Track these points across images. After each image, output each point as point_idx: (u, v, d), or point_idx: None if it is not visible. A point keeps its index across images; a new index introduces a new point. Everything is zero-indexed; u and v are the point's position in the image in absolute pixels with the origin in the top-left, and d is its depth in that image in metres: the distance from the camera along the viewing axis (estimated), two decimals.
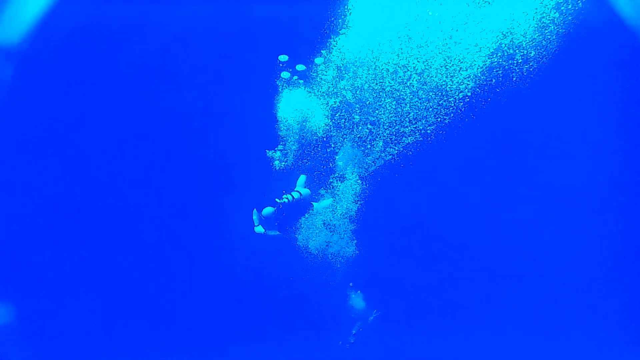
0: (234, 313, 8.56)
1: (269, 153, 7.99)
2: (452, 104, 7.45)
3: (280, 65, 8.01)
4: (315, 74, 7.87)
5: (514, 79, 7.30)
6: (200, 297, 8.52)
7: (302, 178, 7.91)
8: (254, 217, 7.54)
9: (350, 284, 8.21)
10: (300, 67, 7.97)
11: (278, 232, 7.58)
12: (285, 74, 8.03)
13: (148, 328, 8.36)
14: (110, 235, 8.37)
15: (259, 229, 7.51)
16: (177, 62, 8.31)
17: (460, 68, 7.26)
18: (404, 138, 7.72)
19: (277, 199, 7.44)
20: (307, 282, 8.15)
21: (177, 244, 8.52)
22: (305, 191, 7.74)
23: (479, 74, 7.28)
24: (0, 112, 7.91)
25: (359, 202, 7.85)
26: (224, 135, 8.42)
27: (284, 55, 7.98)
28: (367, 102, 7.72)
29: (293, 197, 7.49)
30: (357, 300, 8.23)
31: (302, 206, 7.66)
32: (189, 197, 8.52)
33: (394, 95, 7.57)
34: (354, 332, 8.14)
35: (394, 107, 7.62)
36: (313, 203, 7.75)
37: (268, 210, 7.44)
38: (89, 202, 8.33)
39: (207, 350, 8.38)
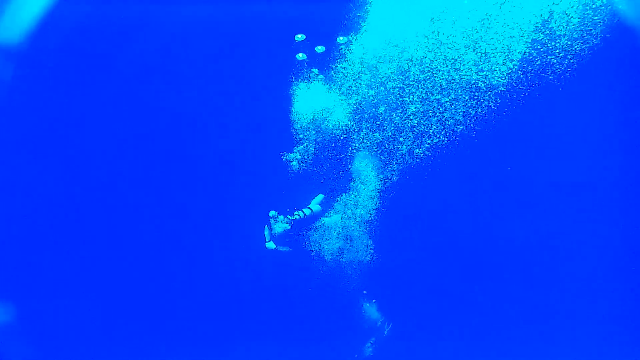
0: (240, 321, 8.47)
1: (285, 156, 7.92)
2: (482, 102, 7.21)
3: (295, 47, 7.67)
4: (335, 65, 7.51)
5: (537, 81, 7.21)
6: (203, 300, 8.49)
7: (319, 197, 7.90)
8: (265, 232, 7.61)
9: (365, 291, 8.08)
10: (320, 49, 7.64)
11: (289, 249, 7.64)
12: (301, 56, 7.69)
13: (148, 328, 8.34)
14: (110, 235, 8.36)
15: (270, 244, 7.58)
16: (178, 61, 8.31)
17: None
18: (429, 139, 7.52)
19: (288, 216, 7.54)
20: (319, 291, 8.09)
21: (179, 246, 8.49)
22: (317, 208, 7.78)
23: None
24: (0, 112, 7.92)
25: (376, 207, 7.74)
26: (235, 137, 8.37)
27: (301, 35, 7.63)
28: (391, 99, 7.49)
29: (304, 214, 7.56)
30: (371, 310, 8.08)
31: (313, 223, 7.73)
32: (194, 200, 8.49)
33: (419, 91, 7.34)
34: (368, 345, 7.99)
35: (419, 105, 7.39)
36: (323, 219, 7.76)
37: (279, 227, 7.54)
38: (90, 202, 8.33)
39: (209, 356, 8.35)
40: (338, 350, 8.13)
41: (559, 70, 7.19)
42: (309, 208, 7.73)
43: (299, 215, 7.56)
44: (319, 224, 7.75)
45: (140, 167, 8.36)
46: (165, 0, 8.09)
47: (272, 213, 7.60)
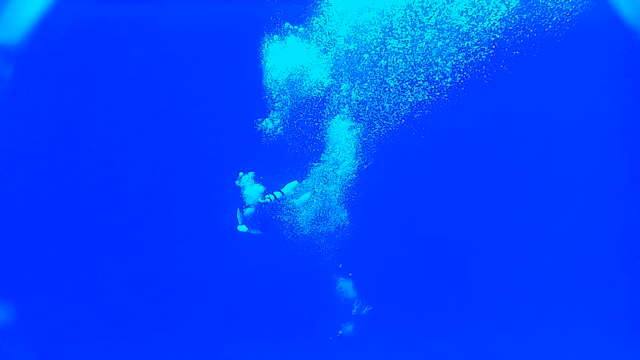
0: (217, 308, 8.46)
1: (260, 124, 7.61)
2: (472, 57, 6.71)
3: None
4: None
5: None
6: (196, 295, 8.47)
7: (293, 183, 7.82)
8: (238, 215, 7.58)
9: (340, 265, 7.91)
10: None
11: (260, 232, 7.62)
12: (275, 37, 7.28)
13: (148, 328, 8.34)
14: (110, 235, 8.36)
15: (242, 227, 7.55)
16: (178, 61, 8.29)
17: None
18: (414, 95, 7.01)
19: (259, 199, 7.48)
20: (292, 268, 7.96)
21: (176, 243, 8.48)
22: (288, 191, 7.73)
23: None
24: (0, 112, 7.93)
25: (353, 181, 7.47)
26: (204, 105, 8.26)
27: None
28: (372, 50, 6.96)
29: (275, 197, 7.53)
30: (347, 287, 7.94)
31: (284, 205, 7.67)
32: (188, 196, 8.45)
33: (403, 43, 6.85)
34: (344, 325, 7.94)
35: (402, 57, 6.91)
36: (293, 200, 7.72)
37: (249, 210, 7.53)
38: (90, 202, 8.32)
39: (203, 349, 8.35)
40: (314, 329, 8.12)
41: (557, 23, 6.88)
42: (280, 191, 7.65)
43: (269, 198, 7.50)
44: (289, 204, 7.65)
45: (140, 167, 8.35)
46: (166, 0, 8.11)
47: (240, 174, 7.52)
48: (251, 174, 7.56)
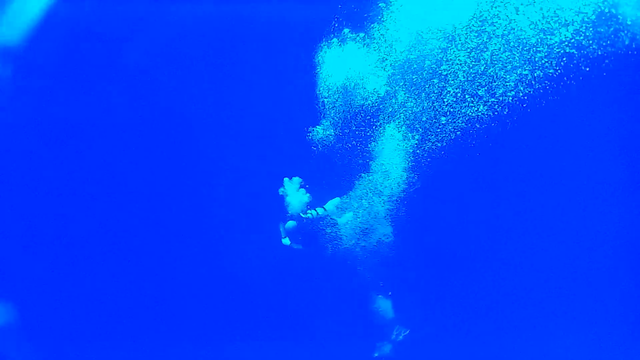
0: (241, 317, 8.34)
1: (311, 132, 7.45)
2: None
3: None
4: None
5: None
6: (205, 298, 8.39)
7: (335, 200, 7.68)
8: (280, 228, 7.52)
9: (381, 283, 7.60)
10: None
11: (301, 247, 7.51)
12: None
13: (148, 328, 8.33)
14: (110, 235, 8.35)
15: (286, 240, 7.50)
16: (179, 61, 8.29)
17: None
18: (471, 108, 6.66)
19: (301, 214, 7.37)
20: (331, 282, 7.78)
21: (178, 244, 8.44)
22: (331, 208, 7.60)
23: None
24: (0, 112, 7.93)
25: (402, 195, 7.13)
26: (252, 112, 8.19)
27: None
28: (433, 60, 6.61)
29: (317, 213, 7.41)
30: (386, 307, 7.64)
31: (326, 222, 7.51)
32: (195, 200, 8.41)
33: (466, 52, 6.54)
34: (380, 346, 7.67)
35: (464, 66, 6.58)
36: (335, 218, 7.58)
37: (291, 223, 7.38)
38: (90, 202, 8.32)
39: (210, 354, 8.32)
40: (348, 350, 7.88)
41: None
42: (322, 208, 7.53)
43: (311, 214, 7.39)
44: (331, 222, 7.47)
45: (141, 166, 8.34)
46: (166, 0, 8.10)
47: (285, 180, 7.40)
48: (297, 179, 7.43)
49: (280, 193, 7.44)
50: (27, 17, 7.55)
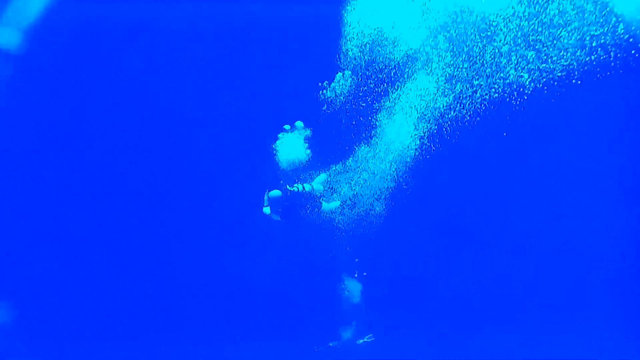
0: (214, 308, 8.35)
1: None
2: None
3: None
4: None
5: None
6: (197, 295, 8.40)
7: (322, 176, 7.65)
8: (265, 197, 7.41)
9: (357, 259, 7.62)
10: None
11: (279, 218, 7.38)
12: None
13: (148, 328, 8.34)
14: (110, 234, 8.35)
15: (267, 210, 7.38)
16: (179, 61, 8.28)
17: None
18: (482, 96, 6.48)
19: (287, 186, 7.25)
20: (305, 260, 7.73)
21: (177, 244, 8.46)
22: (318, 187, 7.49)
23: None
24: (0, 112, 7.93)
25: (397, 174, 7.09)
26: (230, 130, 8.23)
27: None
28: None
29: (303, 188, 7.30)
30: (354, 289, 7.58)
31: (310, 200, 7.41)
32: (191, 199, 8.43)
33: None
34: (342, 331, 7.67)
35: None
36: (322, 201, 7.52)
37: (276, 192, 7.27)
38: (90, 202, 8.32)
39: (203, 349, 8.31)
40: (312, 331, 7.85)
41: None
42: (309, 184, 7.44)
43: (297, 187, 7.28)
44: (317, 203, 7.42)
45: (141, 166, 8.34)
46: (166, 0, 8.10)
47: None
48: (299, 123, 7.30)
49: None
50: (27, 17, 7.55)
